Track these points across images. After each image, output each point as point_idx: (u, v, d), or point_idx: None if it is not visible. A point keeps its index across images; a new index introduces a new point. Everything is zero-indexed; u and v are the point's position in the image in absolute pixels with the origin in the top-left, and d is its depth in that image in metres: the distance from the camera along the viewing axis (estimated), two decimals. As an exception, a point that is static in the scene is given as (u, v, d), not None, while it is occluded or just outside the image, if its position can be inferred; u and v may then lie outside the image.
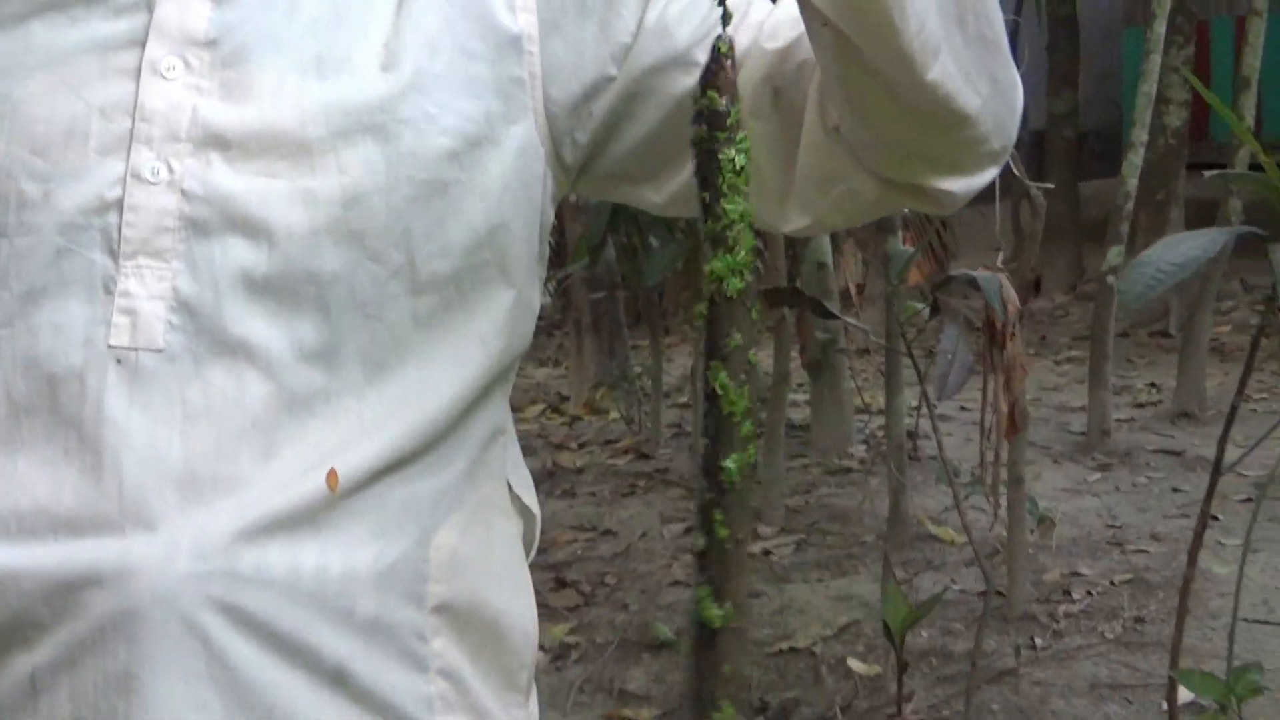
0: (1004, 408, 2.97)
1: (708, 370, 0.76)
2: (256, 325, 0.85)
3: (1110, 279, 4.35)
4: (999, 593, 3.24)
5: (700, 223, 0.77)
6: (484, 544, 0.94)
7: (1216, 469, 2.32)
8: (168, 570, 0.82)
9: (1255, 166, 2.22)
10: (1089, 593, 3.52)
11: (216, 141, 0.86)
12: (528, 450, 4.10)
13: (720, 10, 0.79)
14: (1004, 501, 3.31)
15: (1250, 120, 4.53)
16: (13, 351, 0.84)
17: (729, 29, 0.79)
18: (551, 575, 3.88)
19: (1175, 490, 4.26)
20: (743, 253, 0.76)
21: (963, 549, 3.70)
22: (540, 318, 1.01)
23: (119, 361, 0.84)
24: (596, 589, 3.85)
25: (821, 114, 0.91)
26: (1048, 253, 5.43)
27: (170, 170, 0.85)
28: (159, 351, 0.84)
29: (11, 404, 0.84)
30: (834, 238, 4.25)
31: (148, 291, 0.84)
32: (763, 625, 3.47)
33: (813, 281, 4.21)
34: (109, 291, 0.84)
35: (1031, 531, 3.60)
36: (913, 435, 4.48)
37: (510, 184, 0.92)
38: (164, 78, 0.87)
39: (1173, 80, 6.03)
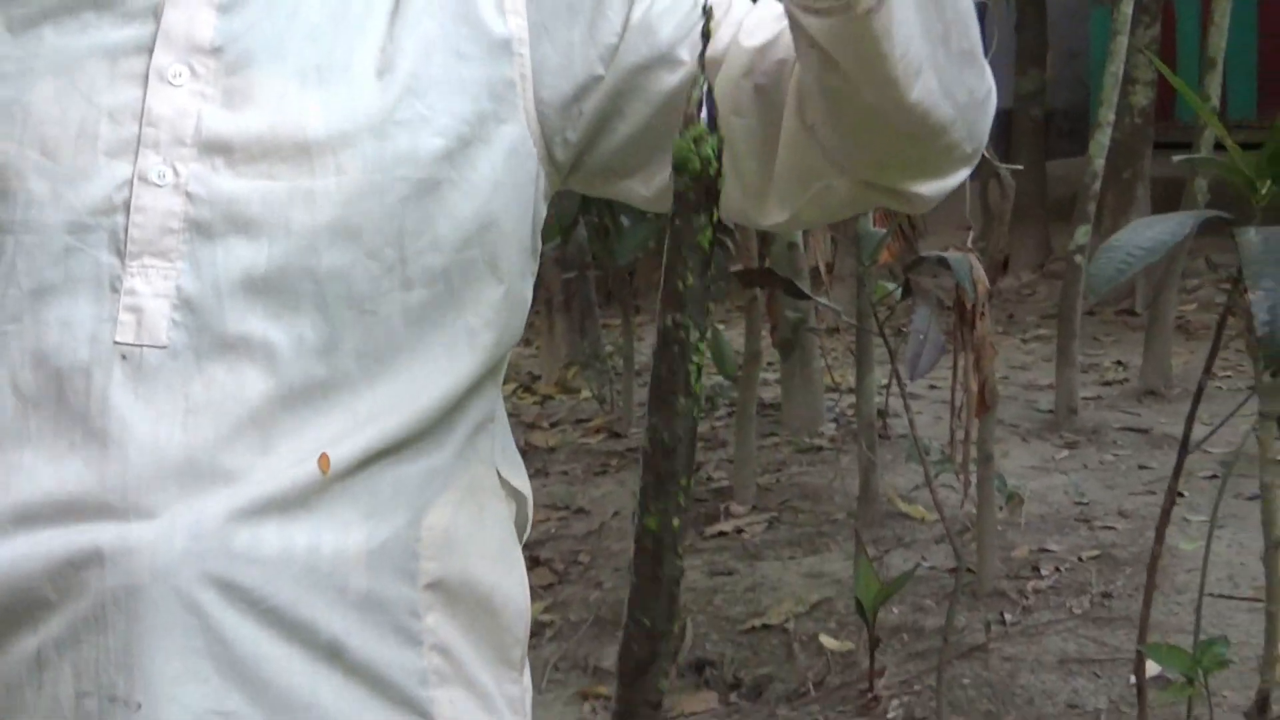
0: (974, 386, 3.00)
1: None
2: (257, 323, 0.87)
3: (1077, 258, 4.36)
4: (969, 569, 3.27)
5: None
6: (476, 523, 0.97)
7: (1184, 446, 2.35)
8: (165, 549, 0.84)
9: (1221, 146, 2.26)
10: (1057, 569, 3.55)
11: (220, 146, 0.89)
12: (501, 430, 4.08)
13: (700, 7, 0.80)
14: (973, 479, 3.34)
15: (1216, 100, 4.55)
16: (21, 346, 0.87)
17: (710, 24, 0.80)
18: (525, 554, 3.87)
19: (1142, 467, 4.29)
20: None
21: (933, 526, 3.72)
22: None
23: (124, 357, 0.86)
24: (570, 567, 3.87)
25: (800, 112, 0.93)
26: (1015, 232, 5.44)
27: (176, 174, 0.88)
28: (162, 348, 0.87)
29: (19, 397, 0.87)
30: (805, 217, 4.24)
31: (152, 290, 0.87)
32: (735, 602, 3.49)
33: (783, 261, 4.22)
34: (115, 290, 0.87)
35: (1001, 509, 3.62)
36: (883, 414, 4.50)
37: (501, 182, 0.94)
38: (171, 84, 0.89)
39: (1140, 60, 6.05)
